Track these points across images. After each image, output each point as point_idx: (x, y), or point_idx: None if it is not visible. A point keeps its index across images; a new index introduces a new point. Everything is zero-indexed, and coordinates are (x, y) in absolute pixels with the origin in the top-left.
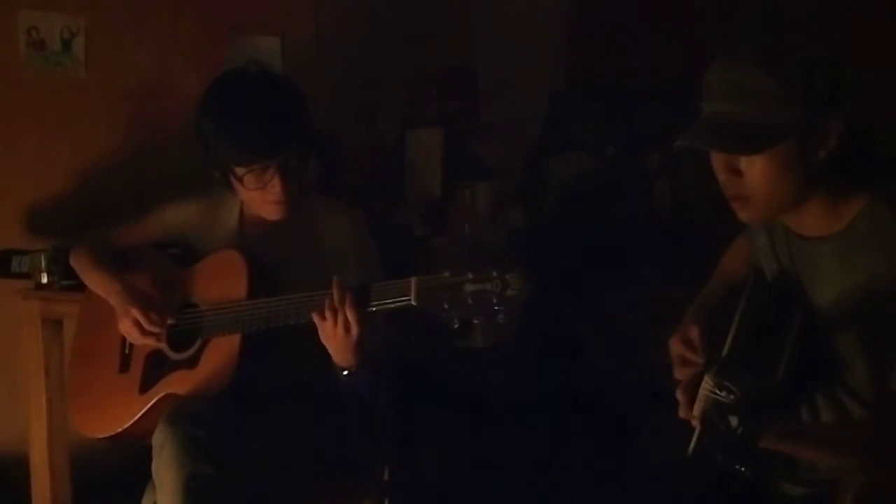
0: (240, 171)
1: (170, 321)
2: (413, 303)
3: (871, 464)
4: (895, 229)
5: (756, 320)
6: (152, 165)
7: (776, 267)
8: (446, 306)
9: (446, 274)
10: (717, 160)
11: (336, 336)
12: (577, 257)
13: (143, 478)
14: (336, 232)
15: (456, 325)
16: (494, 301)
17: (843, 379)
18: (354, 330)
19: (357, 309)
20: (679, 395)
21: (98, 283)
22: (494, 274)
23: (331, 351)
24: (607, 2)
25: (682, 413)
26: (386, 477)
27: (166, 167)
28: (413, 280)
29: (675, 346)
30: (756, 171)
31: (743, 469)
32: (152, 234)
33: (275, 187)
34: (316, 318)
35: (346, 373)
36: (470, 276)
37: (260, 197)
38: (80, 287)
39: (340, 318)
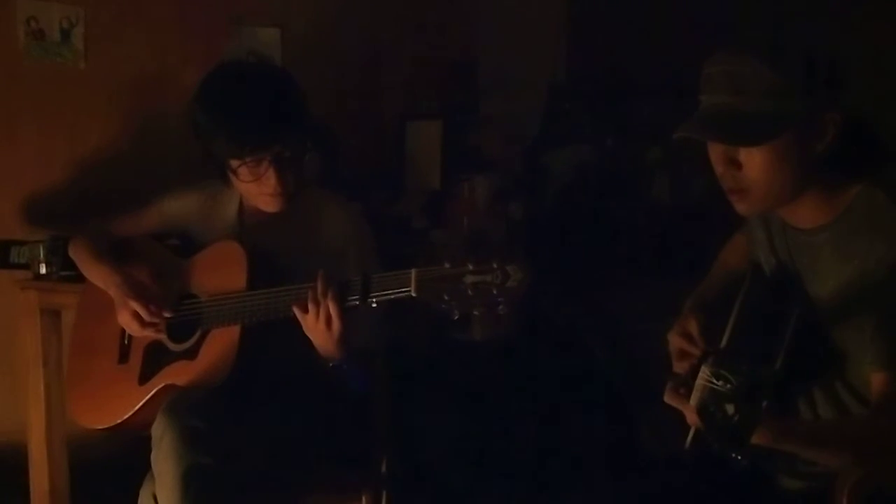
0: (234, 163)
1: (167, 314)
2: (413, 294)
3: (870, 459)
4: (890, 212)
5: (754, 314)
6: (151, 156)
7: (774, 261)
8: (446, 297)
9: (446, 265)
10: (716, 152)
11: (318, 329)
12: (576, 250)
13: (141, 468)
14: (335, 224)
15: (456, 317)
16: (494, 292)
17: (842, 372)
18: (336, 324)
19: (339, 303)
20: (668, 394)
21: (97, 274)
22: (495, 265)
23: (314, 343)
24: None
25: (667, 397)
26: (384, 469)
27: (165, 158)
28: (413, 271)
29: (674, 340)
30: (755, 162)
31: (739, 457)
32: (152, 224)
33: (269, 179)
34: (297, 311)
35: (331, 365)
36: (470, 267)
37: (256, 188)
38: (79, 278)
39: (322, 311)
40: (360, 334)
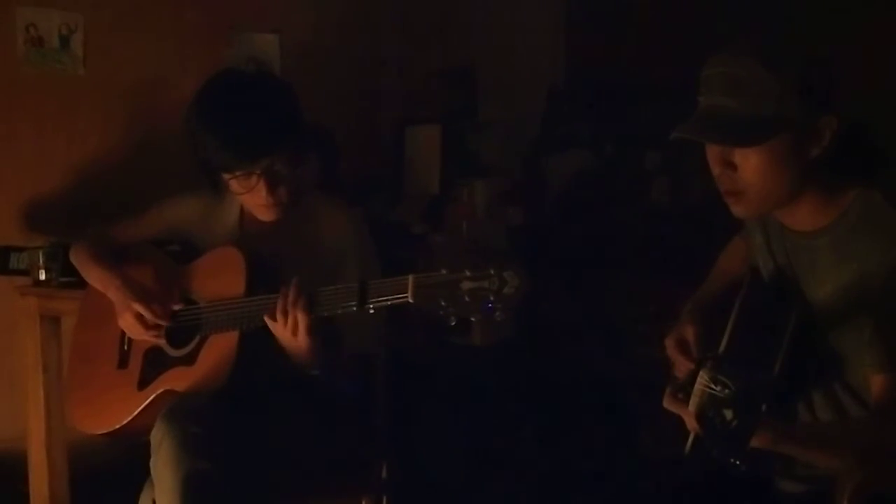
0: (225, 176)
1: (171, 312)
2: (410, 300)
3: (869, 462)
4: (888, 214)
5: (752, 318)
6: (150, 162)
7: (772, 264)
8: (443, 304)
9: (444, 272)
10: (712, 153)
11: (284, 338)
12: (575, 255)
13: (141, 474)
14: (335, 230)
15: (453, 323)
16: (492, 299)
17: (840, 376)
18: (301, 335)
19: (307, 314)
20: (667, 399)
21: (98, 278)
22: (492, 272)
23: (287, 351)
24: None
25: (666, 402)
26: (384, 474)
27: (164, 164)
28: (410, 278)
29: (669, 347)
30: (750, 165)
31: (738, 463)
32: (152, 230)
33: (260, 192)
34: (267, 319)
35: (309, 373)
36: (467, 273)
37: (249, 199)
38: (78, 284)
39: (290, 321)
40: (350, 341)
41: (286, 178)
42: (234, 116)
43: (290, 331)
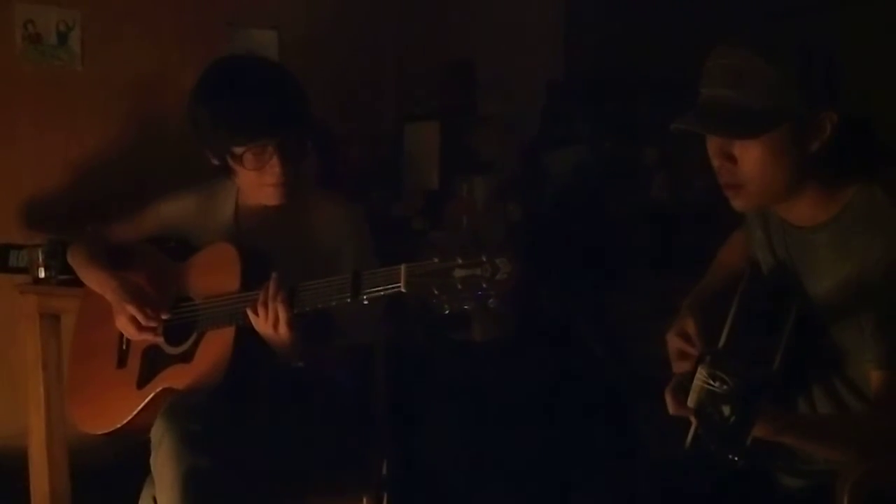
0: (238, 150)
1: (164, 316)
2: (403, 290)
3: (870, 455)
4: (889, 210)
5: (752, 313)
6: (149, 159)
7: (772, 259)
8: (436, 292)
9: (435, 260)
10: (713, 145)
11: (266, 332)
12: (574, 250)
13: (141, 472)
14: (332, 225)
15: (446, 311)
16: (484, 286)
17: (841, 370)
18: (282, 328)
19: (286, 307)
20: (667, 395)
21: (94, 280)
22: (484, 258)
23: (270, 344)
24: None
25: (672, 411)
26: (384, 471)
27: (163, 161)
28: (402, 267)
29: (672, 341)
30: (750, 157)
31: (736, 459)
32: (148, 229)
33: (274, 167)
34: (249, 312)
35: (295, 366)
36: (459, 261)
37: (258, 179)
38: (78, 282)
39: (271, 315)
40: (349, 331)
41: (297, 156)
42: (247, 89)
43: (270, 325)
